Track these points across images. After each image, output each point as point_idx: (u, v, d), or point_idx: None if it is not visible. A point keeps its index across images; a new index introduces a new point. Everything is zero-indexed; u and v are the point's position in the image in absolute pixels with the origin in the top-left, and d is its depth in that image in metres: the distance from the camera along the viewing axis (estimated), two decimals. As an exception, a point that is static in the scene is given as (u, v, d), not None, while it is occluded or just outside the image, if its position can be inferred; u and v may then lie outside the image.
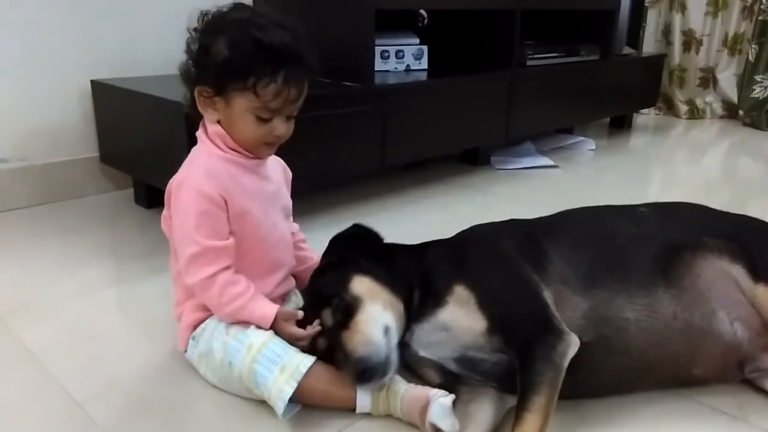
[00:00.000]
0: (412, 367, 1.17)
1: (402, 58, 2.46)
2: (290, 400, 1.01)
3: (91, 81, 2.11)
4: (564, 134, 3.20)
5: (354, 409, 1.07)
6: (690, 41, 3.82)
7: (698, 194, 2.22)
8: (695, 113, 3.87)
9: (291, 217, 1.31)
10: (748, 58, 3.69)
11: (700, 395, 1.13)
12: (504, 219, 1.29)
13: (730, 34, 3.74)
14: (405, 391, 1.05)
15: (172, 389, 1.16)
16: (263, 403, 1.06)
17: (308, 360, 1.05)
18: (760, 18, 3.61)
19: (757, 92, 3.64)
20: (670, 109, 3.96)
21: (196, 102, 1.13)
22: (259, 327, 1.09)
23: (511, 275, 1.10)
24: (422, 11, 2.74)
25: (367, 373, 1.02)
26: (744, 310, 1.09)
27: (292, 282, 1.29)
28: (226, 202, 1.09)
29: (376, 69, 2.20)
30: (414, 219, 2.03)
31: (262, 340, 1.07)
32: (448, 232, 1.29)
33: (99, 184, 2.24)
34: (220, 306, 1.10)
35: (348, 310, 1.08)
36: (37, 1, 2.02)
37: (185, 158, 1.16)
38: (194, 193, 1.07)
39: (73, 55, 2.11)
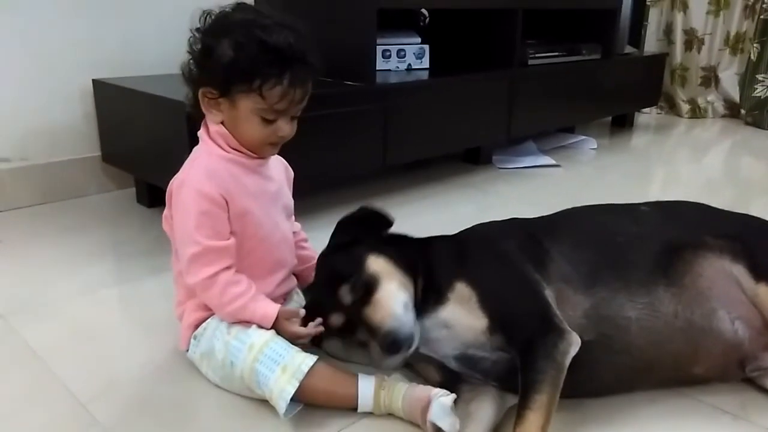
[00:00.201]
0: (411, 364, 1.17)
1: (403, 58, 2.45)
2: (292, 400, 1.01)
3: (93, 80, 2.11)
4: (565, 133, 3.20)
5: (356, 409, 1.07)
6: (692, 40, 3.81)
7: (700, 193, 2.22)
8: (697, 112, 3.86)
9: (293, 217, 1.31)
10: (749, 57, 3.68)
11: (702, 394, 1.13)
12: (506, 218, 1.29)
13: (732, 33, 3.74)
14: (407, 390, 1.05)
15: (173, 388, 1.16)
16: (265, 403, 1.06)
17: (310, 359, 1.05)
18: (761, 17, 3.60)
19: (759, 91, 3.64)
20: (672, 108, 3.96)
21: (198, 102, 1.13)
22: (260, 327, 1.10)
23: (512, 274, 1.11)
24: (424, 10, 2.74)
25: (396, 344, 1.05)
26: (745, 309, 1.09)
27: (294, 281, 1.29)
28: (227, 202, 1.09)
29: (377, 68, 2.20)
30: (415, 218, 2.03)
31: (263, 339, 1.07)
32: (449, 231, 1.29)
33: (100, 184, 2.24)
34: (221, 306, 1.10)
35: (367, 287, 1.10)
36: (39, 1, 2.02)
37: (186, 157, 1.16)
38: (195, 193, 1.07)
39: (74, 54, 2.12)
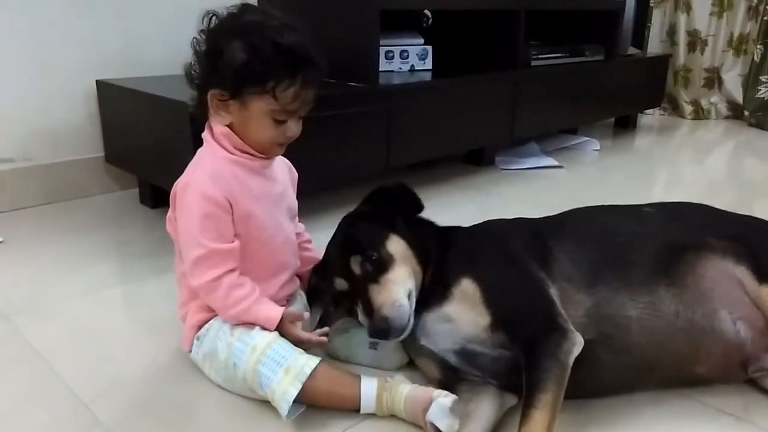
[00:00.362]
0: (412, 357, 1.18)
1: (406, 59, 2.46)
2: (294, 401, 1.01)
3: (97, 81, 2.11)
4: (568, 134, 3.20)
5: (358, 410, 1.07)
6: (695, 41, 3.81)
7: (703, 195, 2.21)
8: (700, 114, 3.86)
9: (296, 218, 1.31)
10: (753, 58, 3.67)
11: (705, 396, 1.13)
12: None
13: (736, 35, 3.73)
14: (409, 391, 1.05)
15: (176, 389, 1.16)
16: (268, 403, 1.06)
17: (313, 361, 1.05)
18: (765, 18, 3.59)
19: (763, 92, 3.63)
20: (675, 109, 3.95)
21: (203, 104, 1.13)
22: (264, 329, 1.10)
23: (519, 272, 1.11)
24: (426, 11, 2.74)
25: (385, 332, 1.07)
26: (747, 310, 1.09)
27: (297, 283, 1.29)
28: (231, 205, 1.10)
29: (380, 69, 2.20)
30: (418, 219, 2.03)
31: (266, 341, 1.07)
32: (452, 232, 1.28)
33: (104, 184, 2.24)
34: (225, 308, 1.10)
35: (381, 265, 1.11)
36: (43, 2, 2.02)
37: (190, 158, 1.16)
38: (199, 196, 1.08)
39: (78, 55, 2.12)
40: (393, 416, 1.07)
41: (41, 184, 2.11)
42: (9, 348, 1.28)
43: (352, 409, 1.07)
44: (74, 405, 1.10)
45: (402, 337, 1.09)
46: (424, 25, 2.75)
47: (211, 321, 1.15)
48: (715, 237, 1.15)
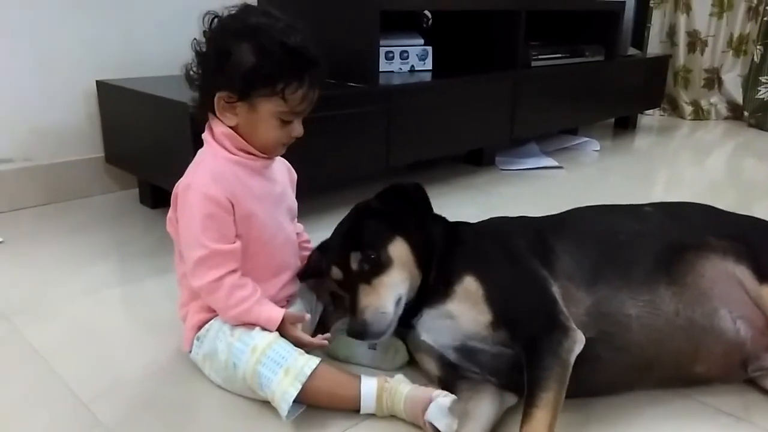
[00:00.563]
0: (412, 352, 1.19)
1: (406, 59, 2.46)
2: (294, 402, 1.01)
3: (97, 81, 2.12)
4: (568, 135, 3.20)
5: (358, 410, 1.07)
6: (695, 42, 3.81)
7: (703, 195, 2.21)
8: (700, 114, 3.86)
9: (296, 218, 1.31)
10: (753, 59, 3.68)
11: (705, 396, 1.13)
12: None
13: (735, 35, 3.73)
14: (408, 392, 1.05)
15: (176, 389, 1.16)
16: (268, 404, 1.06)
17: (313, 362, 1.05)
18: (765, 19, 3.60)
19: (762, 93, 3.63)
20: (675, 110, 3.96)
21: (206, 105, 1.13)
22: (264, 329, 1.10)
23: (521, 270, 1.11)
24: (426, 12, 2.74)
25: (361, 335, 1.08)
26: (747, 309, 1.09)
27: (297, 284, 1.29)
28: (232, 205, 1.10)
29: (380, 70, 2.20)
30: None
31: (266, 341, 1.07)
32: (452, 232, 1.28)
33: (104, 184, 2.24)
34: (226, 309, 1.10)
35: (377, 267, 1.11)
36: (43, 2, 2.02)
37: (190, 159, 1.16)
38: (201, 196, 1.08)
39: (78, 55, 2.12)
40: (393, 417, 1.07)
41: (41, 184, 2.11)
42: (9, 348, 1.28)
43: (352, 409, 1.07)
44: (74, 405, 1.10)
45: (377, 341, 1.13)
46: (424, 25, 2.75)
47: (212, 321, 1.15)
48: (716, 236, 1.15)
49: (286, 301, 1.23)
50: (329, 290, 1.34)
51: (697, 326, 1.08)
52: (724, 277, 1.11)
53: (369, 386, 1.07)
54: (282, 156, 1.24)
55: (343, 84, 2.04)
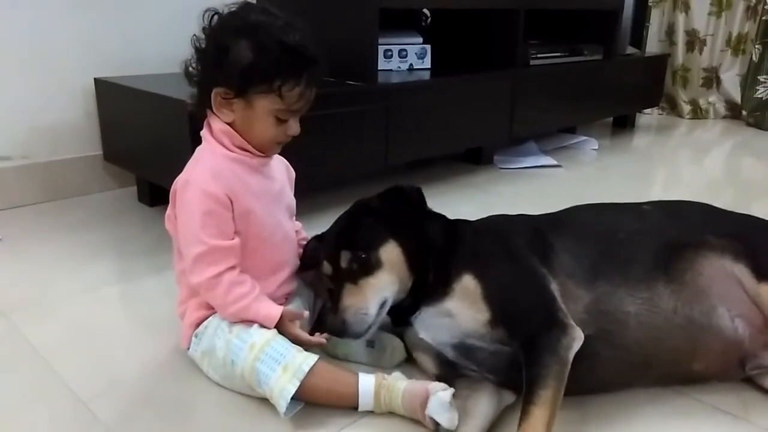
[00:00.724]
0: (410, 350, 1.19)
1: (405, 58, 2.46)
2: (292, 399, 1.01)
3: (95, 79, 2.11)
4: (567, 134, 3.20)
5: (356, 407, 1.07)
6: (693, 41, 3.81)
7: (701, 194, 2.22)
8: (698, 113, 3.86)
9: (294, 216, 1.32)
10: (751, 58, 3.68)
11: (703, 394, 1.13)
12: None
13: (734, 34, 3.74)
14: (406, 386, 1.06)
15: (174, 387, 1.16)
16: (266, 401, 1.07)
17: (311, 359, 1.05)
18: (763, 18, 3.60)
19: (761, 92, 3.64)
20: (674, 109, 3.96)
21: (205, 101, 1.13)
22: (263, 326, 1.10)
23: (520, 268, 1.11)
24: (425, 10, 2.74)
25: (339, 334, 1.09)
26: (746, 307, 1.10)
27: (296, 281, 1.29)
28: (231, 202, 1.10)
29: (379, 68, 2.20)
30: (417, 218, 2.03)
31: (264, 338, 1.07)
32: (450, 231, 1.28)
33: (102, 182, 2.24)
34: (225, 305, 1.10)
35: (366, 268, 1.11)
36: (42, 0, 2.02)
37: (188, 157, 1.16)
38: (200, 193, 1.08)
39: (76, 53, 2.12)
40: (391, 413, 1.07)
41: (39, 182, 2.11)
42: (8, 346, 1.28)
43: (350, 406, 1.07)
44: (73, 403, 1.10)
45: (355, 341, 1.14)
46: (423, 24, 2.76)
47: (210, 318, 1.15)
48: (714, 235, 1.15)
49: (285, 299, 1.23)
50: (328, 288, 1.34)
51: (695, 324, 1.08)
52: (723, 275, 1.11)
53: (367, 383, 1.07)
54: (281, 154, 1.24)
55: (341, 82, 2.04)
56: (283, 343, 1.07)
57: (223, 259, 1.09)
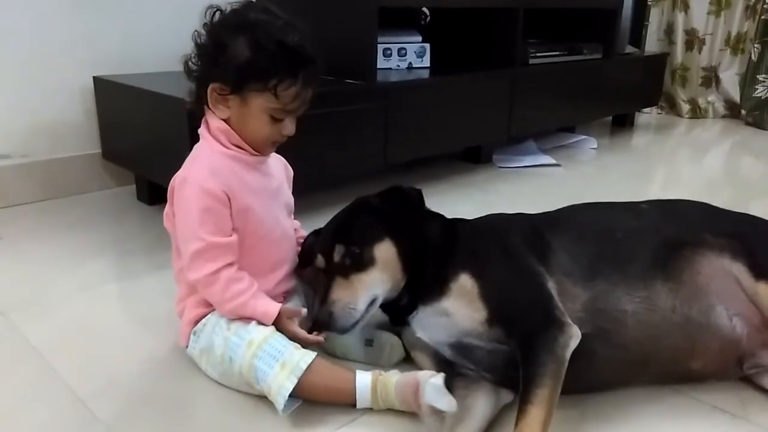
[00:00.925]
0: (408, 349, 1.19)
1: (404, 56, 2.46)
2: (291, 396, 1.02)
3: (94, 77, 2.11)
4: (566, 133, 3.20)
5: (354, 405, 1.07)
6: (693, 40, 3.81)
7: (700, 193, 2.21)
8: (697, 112, 3.87)
9: (293, 214, 1.32)
10: (750, 57, 3.68)
11: (701, 393, 1.13)
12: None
13: (733, 34, 3.74)
14: (398, 380, 1.06)
15: (173, 385, 1.16)
16: (264, 398, 1.07)
17: (309, 356, 1.05)
18: (762, 17, 3.60)
19: (760, 92, 3.64)
20: (673, 108, 3.96)
21: (202, 97, 1.13)
22: (260, 323, 1.10)
23: (517, 266, 1.11)
24: (425, 9, 2.74)
25: (324, 327, 1.10)
26: (744, 306, 1.10)
27: (294, 279, 1.29)
28: (229, 199, 1.10)
29: (378, 67, 2.20)
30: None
31: (262, 335, 1.07)
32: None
33: (101, 181, 2.24)
34: (222, 302, 1.11)
35: (358, 264, 1.12)
36: (40, -2, 2.02)
37: (187, 155, 1.16)
38: (198, 190, 1.08)
39: (75, 51, 2.12)
40: (390, 411, 1.07)
41: (38, 180, 2.11)
42: (6, 345, 1.28)
43: (348, 403, 1.07)
44: (72, 401, 1.10)
45: (340, 335, 1.13)
46: (422, 22, 2.75)
47: (208, 316, 1.15)
48: (712, 234, 1.15)
49: (283, 297, 1.23)
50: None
51: (693, 323, 1.08)
52: (721, 274, 1.11)
53: (364, 380, 1.07)
54: (280, 152, 1.24)
55: (340, 81, 2.05)
56: (281, 340, 1.07)
57: (221, 255, 1.09)
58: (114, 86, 2.03)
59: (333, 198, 1.86)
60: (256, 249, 1.16)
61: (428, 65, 2.50)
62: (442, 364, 1.12)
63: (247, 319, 1.11)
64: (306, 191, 1.48)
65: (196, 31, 1.12)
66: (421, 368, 1.16)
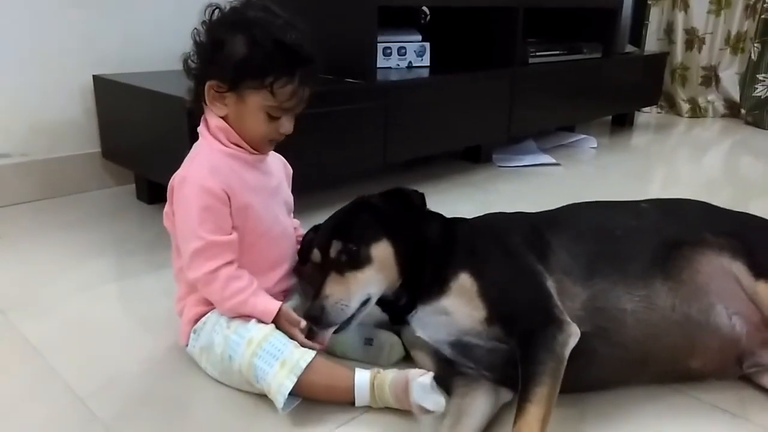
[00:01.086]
0: (408, 348, 1.19)
1: (404, 55, 2.46)
2: (290, 394, 1.02)
3: (93, 76, 2.11)
4: (566, 132, 3.20)
5: (353, 403, 1.07)
6: (692, 39, 3.82)
7: (700, 193, 2.21)
8: (697, 112, 3.87)
9: (292, 213, 1.32)
10: (750, 56, 3.68)
11: (701, 392, 1.13)
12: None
13: (733, 33, 3.74)
14: (392, 378, 1.07)
15: (173, 383, 1.16)
16: (263, 397, 1.07)
17: (308, 355, 1.05)
18: (762, 16, 3.60)
19: (759, 91, 3.64)
20: (672, 107, 3.96)
21: (199, 95, 1.13)
22: (260, 321, 1.10)
23: (516, 265, 1.12)
24: (424, 8, 2.74)
25: (315, 320, 1.09)
26: (743, 305, 1.10)
27: (294, 278, 1.29)
28: (228, 197, 1.10)
29: (378, 66, 2.20)
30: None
31: (262, 334, 1.07)
32: (449, 228, 1.28)
33: (101, 180, 2.24)
34: (222, 300, 1.11)
35: (354, 261, 1.11)
36: (40, -3, 2.02)
37: (187, 154, 1.16)
38: (197, 189, 1.08)
39: (75, 50, 2.12)
40: (390, 409, 1.07)
41: (38, 179, 2.11)
42: (5, 344, 1.28)
43: (347, 401, 1.07)
44: (71, 400, 1.10)
45: (330, 332, 1.12)
46: (422, 21, 2.75)
47: (208, 314, 1.15)
48: (712, 233, 1.15)
49: (283, 295, 1.23)
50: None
51: (692, 322, 1.08)
52: (720, 273, 1.11)
53: (362, 378, 1.07)
54: (280, 151, 1.24)
55: (340, 80, 2.04)
56: (280, 338, 1.07)
57: (221, 254, 1.09)
58: (114, 85, 2.03)
59: (332, 197, 1.86)
60: (256, 247, 1.16)
61: (428, 64, 2.50)
62: (441, 362, 1.12)
63: (246, 317, 1.11)
64: (306, 190, 1.48)
65: (195, 28, 1.13)
66: (421, 367, 1.16)
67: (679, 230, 1.17)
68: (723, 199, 1.82)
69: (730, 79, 3.81)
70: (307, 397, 1.06)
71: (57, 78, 2.10)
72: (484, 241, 1.18)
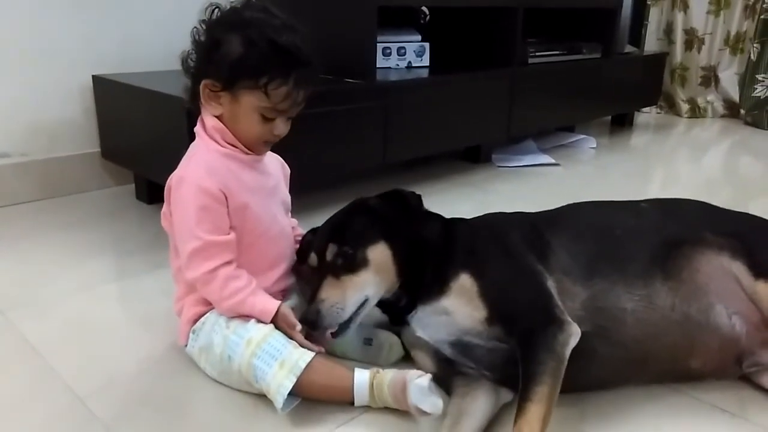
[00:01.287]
0: (408, 348, 1.19)
1: (404, 55, 2.45)
2: (290, 394, 1.02)
3: (93, 76, 2.11)
4: (565, 132, 3.20)
5: (353, 402, 1.07)
6: (692, 40, 3.82)
7: (699, 193, 2.21)
8: (696, 112, 3.87)
9: (290, 213, 1.32)
10: (749, 57, 3.68)
11: (701, 392, 1.13)
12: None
13: (732, 33, 3.74)
14: (390, 378, 1.06)
15: (172, 383, 1.16)
16: (263, 397, 1.07)
17: (307, 355, 1.05)
18: (762, 17, 3.60)
19: (759, 91, 3.64)
20: (672, 107, 3.96)
21: (196, 94, 1.13)
22: (259, 321, 1.10)
23: (516, 265, 1.11)
24: (424, 8, 2.74)
25: (311, 323, 1.08)
26: (743, 304, 1.10)
27: (292, 278, 1.29)
28: (226, 197, 1.10)
29: (377, 66, 2.20)
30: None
31: (261, 334, 1.07)
32: (448, 228, 1.28)
33: (100, 180, 2.24)
34: (221, 300, 1.11)
35: (350, 264, 1.11)
36: (39, -3, 2.02)
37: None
38: (195, 189, 1.08)
39: (74, 50, 2.12)
40: (389, 409, 1.07)
41: (37, 179, 2.11)
42: (5, 343, 1.28)
43: (346, 401, 1.08)
44: (70, 400, 1.10)
45: (326, 333, 1.10)
46: (422, 21, 2.75)
47: (207, 314, 1.15)
48: (712, 233, 1.15)
49: (281, 295, 1.23)
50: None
51: (692, 321, 1.08)
52: (720, 272, 1.11)
53: (362, 378, 1.07)
54: (278, 151, 1.24)
55: (339, 80, 2.04)
56: (280, 338, 1.07)
57: (219, 254, 1.09)
58: (113, 85, 2.03)
59: (332, 197, 1.86)
60: (254, 247, 1.16)
61: (428, 64, 2.49)
62: (442, 362, 1.12)
63: (245, 316, 1.11)
64: (305, 190, 1.48)
65: (195, 27, 1.13)
66: (421, 367, 1.16)
67: (679, 230, 1.17)
68: (722, 199, 1.82)
69: (729, 79, 3.81)
70: (306, 397, 1.06)
71: (56, 78, 2.10)
72: (484, 241, 1.18)
